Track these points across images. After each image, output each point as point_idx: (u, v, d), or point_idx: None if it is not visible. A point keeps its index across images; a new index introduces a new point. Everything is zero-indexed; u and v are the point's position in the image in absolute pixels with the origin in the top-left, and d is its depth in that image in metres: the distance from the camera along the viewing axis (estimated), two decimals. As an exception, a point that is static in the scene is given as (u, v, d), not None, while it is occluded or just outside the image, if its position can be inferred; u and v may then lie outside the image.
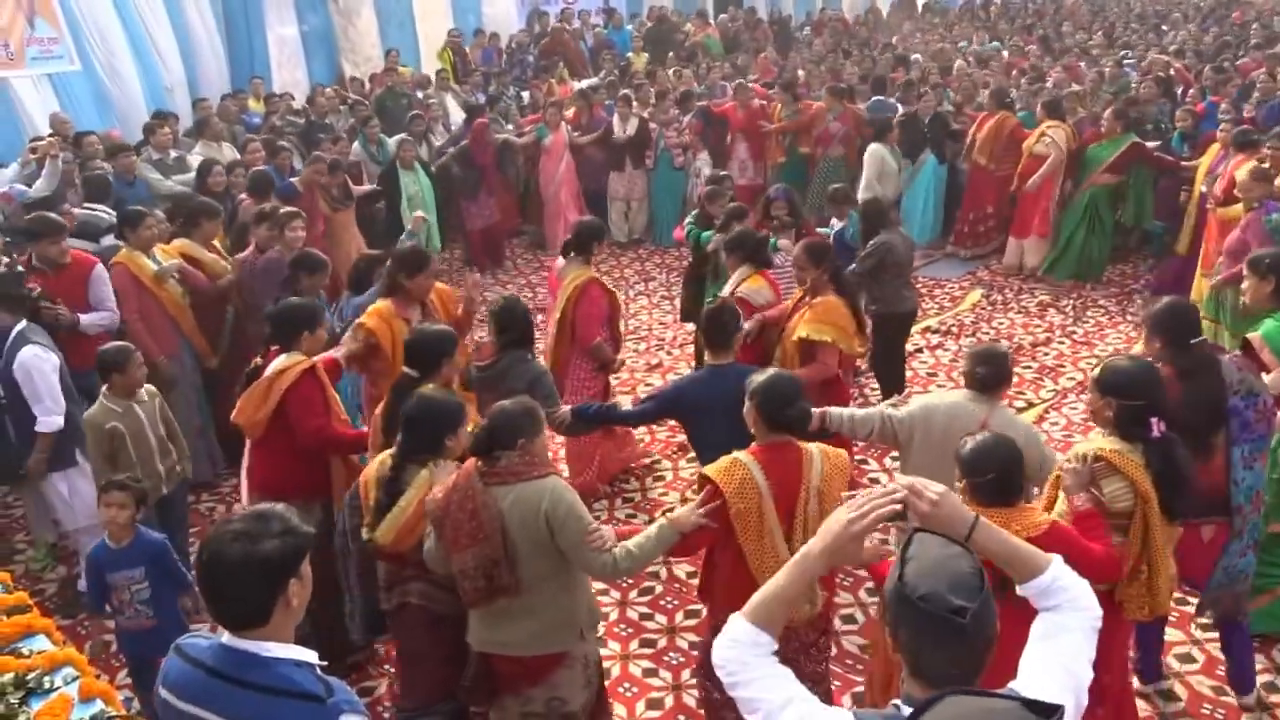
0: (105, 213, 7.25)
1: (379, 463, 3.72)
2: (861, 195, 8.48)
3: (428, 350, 4.12)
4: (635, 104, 11.11)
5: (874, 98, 11.01)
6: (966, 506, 2.11)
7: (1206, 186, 7.80)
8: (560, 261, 6.15)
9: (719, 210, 6.86)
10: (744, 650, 1.99)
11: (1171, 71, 11.32)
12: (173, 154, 8.61)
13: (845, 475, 3.44)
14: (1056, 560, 2.05)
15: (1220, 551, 3.96)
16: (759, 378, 3.52)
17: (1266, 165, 6.83)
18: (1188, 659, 4.49)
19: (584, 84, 13.07)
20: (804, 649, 3.61)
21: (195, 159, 8.53)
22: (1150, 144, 8.96)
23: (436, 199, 9.96)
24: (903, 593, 1.78)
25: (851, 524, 2.01)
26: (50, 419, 4.96)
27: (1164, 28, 14.58)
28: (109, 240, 6.86)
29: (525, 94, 12.95)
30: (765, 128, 10.75)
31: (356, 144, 10.04)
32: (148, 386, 4.97)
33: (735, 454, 3.44)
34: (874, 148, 9.40)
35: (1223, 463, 3.87)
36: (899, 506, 2.03)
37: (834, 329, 5.00)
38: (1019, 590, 2.07)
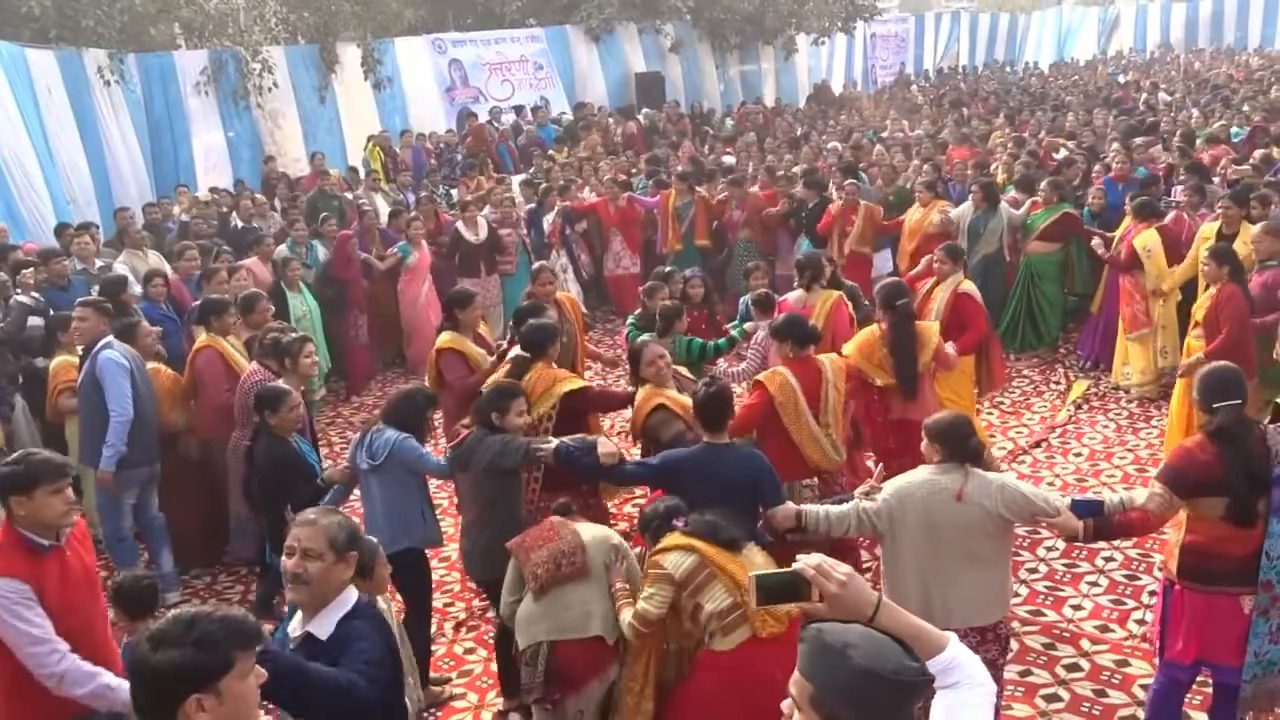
0: None
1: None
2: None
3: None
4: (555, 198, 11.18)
5: (848, 181, 10.87)
6: (870, 589, 2.13)
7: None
8: (794, 295, 6.67)
9: (656, 306, 6.75)
10: None
11: (1067, 152, 11.89)
12: (97, 263, 8.52)
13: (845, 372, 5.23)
14: (953, 639, 2.09)
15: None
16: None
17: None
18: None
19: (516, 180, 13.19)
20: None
21: (122, 268, 8.42)
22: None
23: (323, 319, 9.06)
24: (873, 674, 1.81)
25: None
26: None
27: (1072, 115, 15.22)
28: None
29: (454, 191, 13.07)
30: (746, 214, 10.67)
31: (284, 246, 9.42)
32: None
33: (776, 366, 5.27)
34: None
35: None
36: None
37: (855, 347, 5.81)
38: None
